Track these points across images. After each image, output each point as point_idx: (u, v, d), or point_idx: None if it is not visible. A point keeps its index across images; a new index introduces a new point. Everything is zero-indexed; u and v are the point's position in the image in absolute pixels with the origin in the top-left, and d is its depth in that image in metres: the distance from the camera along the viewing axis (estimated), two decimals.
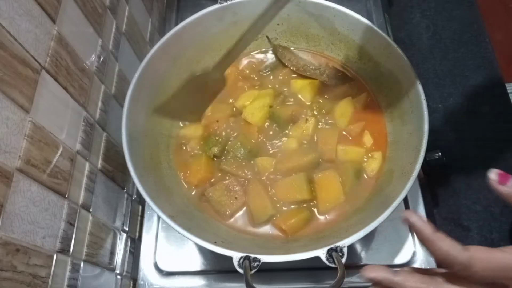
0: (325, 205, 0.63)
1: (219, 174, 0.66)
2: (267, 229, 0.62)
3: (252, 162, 0.66)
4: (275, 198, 0.64)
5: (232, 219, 0.63)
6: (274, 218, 0.63)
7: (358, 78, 0.73)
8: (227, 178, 0.65)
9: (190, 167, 0.67)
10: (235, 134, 0.69)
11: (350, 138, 0.68)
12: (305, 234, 0.62)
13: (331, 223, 0.62)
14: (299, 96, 0.72)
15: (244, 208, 0.64)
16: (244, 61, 0.77)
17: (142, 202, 0.77)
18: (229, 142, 0.68)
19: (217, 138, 0.68)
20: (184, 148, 0.69)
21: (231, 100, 0.72)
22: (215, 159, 0.67)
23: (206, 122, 0.70)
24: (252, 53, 0.78)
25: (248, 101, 0.70)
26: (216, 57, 0.74)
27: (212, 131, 0.69)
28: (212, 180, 0.66)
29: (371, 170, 0.65)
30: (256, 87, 0.73)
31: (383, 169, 0.65)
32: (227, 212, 0.63)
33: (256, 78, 0.75)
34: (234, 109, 0.71)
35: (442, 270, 0.40)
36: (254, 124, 0.69)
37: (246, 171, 0.66)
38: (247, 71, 0.76)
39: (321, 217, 0.63)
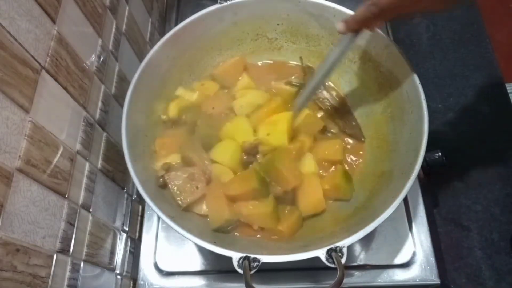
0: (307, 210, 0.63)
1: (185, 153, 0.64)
2: (267, 229, 0.62)
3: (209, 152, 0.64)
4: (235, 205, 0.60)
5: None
6: (230, 227, 0.60)
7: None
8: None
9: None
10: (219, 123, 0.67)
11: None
12: (304, 234, 0.62)
13: (331, 223, 0.62)
14: None
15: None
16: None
17: (142, 202, 0.77)
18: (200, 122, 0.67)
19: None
20: None
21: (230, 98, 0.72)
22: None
23: (202, 99, 0.70)
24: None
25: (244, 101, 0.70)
26: (216, 57, 0.75)
27: (204, 108, 0.69)
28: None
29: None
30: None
31: (382, 168, 0.65)
32: (186, 200, 0.60)
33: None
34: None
35: None
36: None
37: (206, 162, 0.63)
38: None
39: (321, 217, 0.63)
